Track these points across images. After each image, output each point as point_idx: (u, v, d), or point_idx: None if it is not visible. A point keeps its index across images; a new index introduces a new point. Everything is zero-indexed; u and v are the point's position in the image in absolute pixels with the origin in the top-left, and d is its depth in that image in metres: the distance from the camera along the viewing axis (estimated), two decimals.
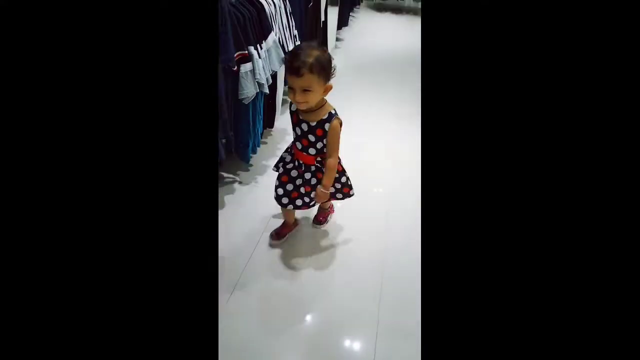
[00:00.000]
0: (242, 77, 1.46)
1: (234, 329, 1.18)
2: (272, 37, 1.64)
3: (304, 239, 1.52)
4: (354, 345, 1.18)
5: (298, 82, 1.01)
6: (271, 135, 2.25)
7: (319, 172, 1.24)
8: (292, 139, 1.29)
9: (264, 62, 1.57)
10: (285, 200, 1.29)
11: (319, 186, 1.22)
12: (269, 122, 2.08)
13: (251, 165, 1.96)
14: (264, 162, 2.00)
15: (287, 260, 1.42)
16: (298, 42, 1.95)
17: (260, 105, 1.76)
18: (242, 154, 1.78)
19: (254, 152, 1.86)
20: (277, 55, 1.69)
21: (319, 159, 1.22)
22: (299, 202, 1.30)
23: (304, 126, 1.14)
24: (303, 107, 1.08)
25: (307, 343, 1.18)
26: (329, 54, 1.07)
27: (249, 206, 1.69)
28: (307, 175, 1.25)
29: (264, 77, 1.56)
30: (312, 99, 1.05)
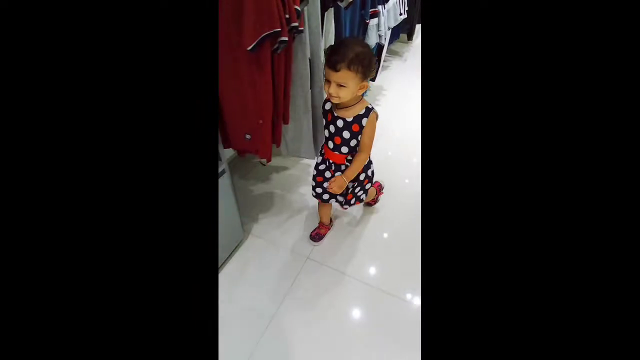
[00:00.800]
0: (370, 29, 1.90)
1: None
2: (392, 0, 2.06)
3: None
4: None
5: (334, 76, 0.97)
6: (370, 90, 2.69)
7: None
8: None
9: (385, 19, 2.00)
10: (326, 196, 1.32)
11: (338, 174, 1.20)
12: (373, 77, 2.51)
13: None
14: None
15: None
16: (406, 8, 2.35)
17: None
18: None
19: (365, 94, 2.32)
20: (394, 14, 2.11)
21: (349, 157, 1.18)
22: (337, 199, 1.33)
23: (339, 122, 1.11)
24: (335, 100, 1.03)
25: None
26: (371, 52, 1.02)
27: None
28: (337, 175, 1.21)
29: (383, 30, 1.99)
30: (345, 95, 1.00)
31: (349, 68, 0.95)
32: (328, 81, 1.00)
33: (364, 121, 1.08)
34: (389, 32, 2.13)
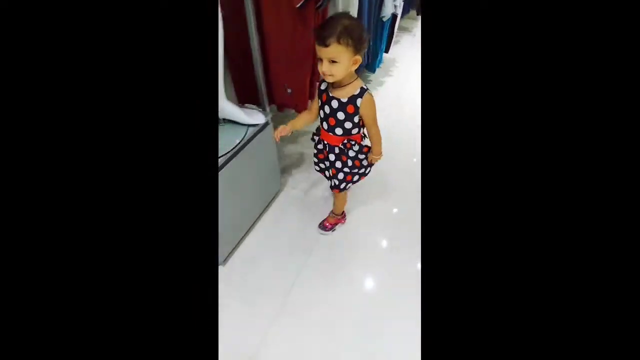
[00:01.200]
0: (385, 0, 2.06)
1: None
2: None
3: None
4: None
5: (325, 53, 0.95)
6: (383, 63, 2.85)
7: (343, 155, 1.20)
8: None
9: None
10: (328, 173, 1.34)
11: (370, 155, 1.22)
12: (387, 48, 2.68)
13: (370, 80, 2.60)
14: (380, 79, 2.63)
15: None
16: None
17: (387, 27, 2.36)
18: (371, 66, 2.41)
19: (379, 66, 2.49)
20: None
21: (345, 141, 1.17)
22: (331, 182, 1.31)
23: (334, 103, 1.09)
24: (329, 79, 1.02)
25: None
26: (361, 25, 1.01)
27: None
28: (332, 157, 1.21)
29: (398, 0, 2.15)
30: (339, 71, 0.99)
31: (338, 42, 0.93)
32: (320, 59, 0.98)
33: (359, 101, 1.06)
34: (402, 3, 2.28)
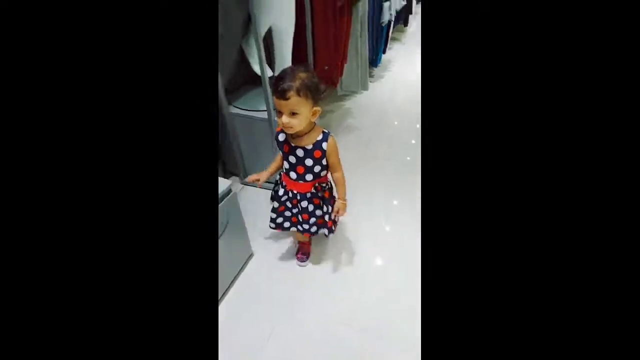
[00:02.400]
0: (384, 9, 2.78)
1: None
2: None
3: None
4: None
5: (285, 106, 0.98)
6: (382, 63, 3.57)
7: (315, 198, 1.20)
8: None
9: (393, 3, 2.89)
10: (287, 224, 1.29)
11: (337, 200, 1.21)
12: (384, 49, 3.39)
13: (373, 75, 3.29)
14: (381, 73, 3.33)
15: None
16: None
17: (385, 31, 3.08)
18: (374, 62, 3.11)
19: (380, 63, 3.19)
20: (399, 1, 3.00)
21: (316, 184, 1.18)
22: (300, 227, 1.27)
23: (299, 152, 1.10)
24: (290, 131, 1.04)
25: None
26: (315, 76, 1.03)
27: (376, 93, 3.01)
28: (304, 204, 1.20)
29: (393, 10, 2.88)
30: (299, 123, 1.01)
31: (298, 94, 0.96)
32: (280, 112, 1.00)
33: (324, 145, 1.08)
34: (394, 13, 3.00)
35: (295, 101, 0.97)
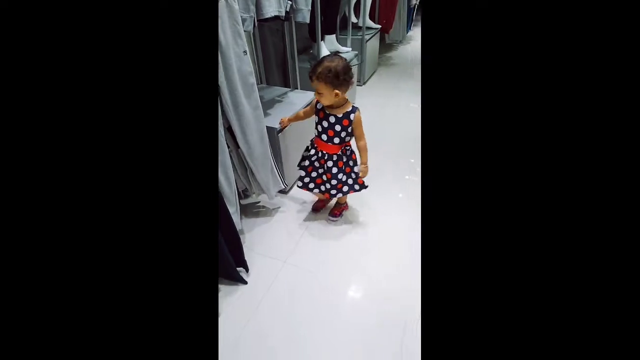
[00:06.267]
0: None
1: None
2: None
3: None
4: None
5: (314, 86, 1.30)
6: (410, 35, 5.33)
7: (339, 161, 1.46)
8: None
9: None
10: (311, 185, 1.56)
11: (359, 165, 1.46)
12: (410, 26, 5.19)
13: (401, 40, 5.06)
14: (406, 43, 5.10)
15: None
16: None
17: (411, 13, 4.87)
18: (404, 33, 4.90)
19: (408, 33, 4.99)
20: None
21: (342, 147, 1.44)
22: (323, 187, 1.54)
23: (332, 119, 1.37)
24: (320, 103, 1.36)
25: None
26: (343, 66, 1.27)
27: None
28: (330, 164, 1.46)
29: None
30: (324, 100, 1.32)
31: (318, 79, 1.27)
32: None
33: (352, 116, 1.37)
34: (418, 2, 4.80)
35: (317, 84, 1.28)
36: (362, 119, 1.42)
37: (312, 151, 1.50)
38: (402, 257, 1.53)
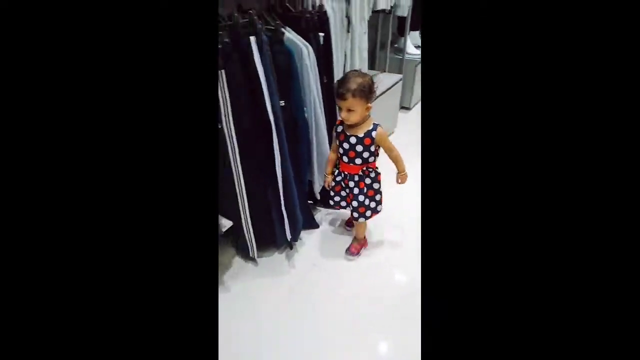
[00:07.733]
0: None
1: None
2: None
3: None
4: None
5: (344, 104, 1.27)
6: None
7: (361, 182, 1.46)
8: None
9: None
10: (343, 203, 1.57)
11: (399, 174, 1.46)
12: None
13: None
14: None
15: None
16: None
17: None
18: None
19: None
20: None
21: (364, 168, 1.43)
22: (350, 207, 1.54)
23: (352, 139, 1.36)
24: (348, 122, 1.33)
25: None
26: (370, 79, 1.30)
27: None
28: (351, 184, 1.47)
29: None
30: (355, 117, 1.30)
31: (353, 96, 1.25)
32: (340, 108, 1.31)
33: (374, 134, 1.35)
34: None
35: (351, 102, 1.26)
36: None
37: (336, 171, 1.53)
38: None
